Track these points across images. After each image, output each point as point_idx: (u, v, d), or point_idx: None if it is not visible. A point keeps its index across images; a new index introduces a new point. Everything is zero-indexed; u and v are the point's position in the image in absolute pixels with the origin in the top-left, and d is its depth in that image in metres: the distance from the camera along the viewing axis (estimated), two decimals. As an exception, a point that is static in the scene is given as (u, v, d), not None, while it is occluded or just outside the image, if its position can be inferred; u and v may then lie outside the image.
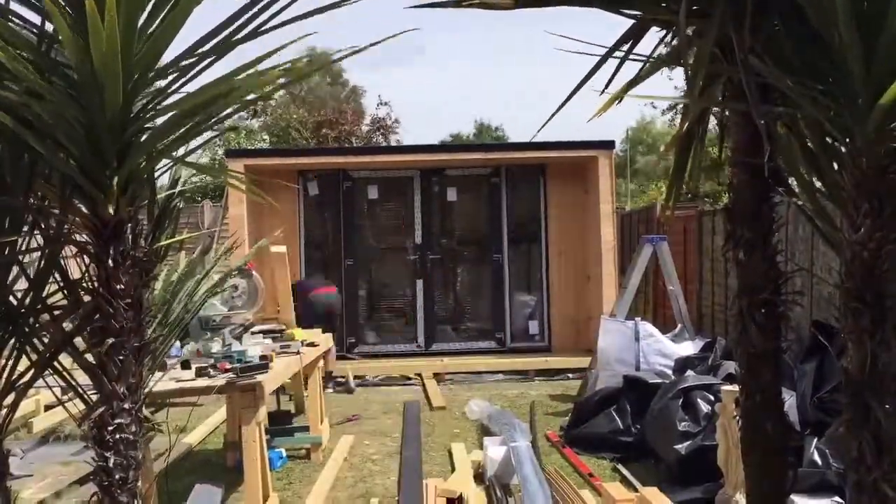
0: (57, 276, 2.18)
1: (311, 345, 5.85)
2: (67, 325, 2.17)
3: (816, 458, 4.21)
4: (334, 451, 5.88)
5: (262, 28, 1.92)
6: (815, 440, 4.30)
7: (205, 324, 4.96)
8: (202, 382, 4.33)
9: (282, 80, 2.11)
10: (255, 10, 1.90)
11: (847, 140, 1.83)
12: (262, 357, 4.67)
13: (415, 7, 2.08)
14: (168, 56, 1.95)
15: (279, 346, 5.42)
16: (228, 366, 4.43)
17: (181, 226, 2.47)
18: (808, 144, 2.04)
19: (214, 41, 1.93)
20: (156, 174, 2.20)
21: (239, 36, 1.92)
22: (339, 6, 1.94)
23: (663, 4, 2.21)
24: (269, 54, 1.91)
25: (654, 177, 31.46)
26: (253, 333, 5.50)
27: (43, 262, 2.19)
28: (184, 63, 1.96)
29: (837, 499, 3.93)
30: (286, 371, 5.26)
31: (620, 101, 2.12)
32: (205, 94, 1.92)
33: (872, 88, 1.70)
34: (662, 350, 6.89)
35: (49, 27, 1.96)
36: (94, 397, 2.05)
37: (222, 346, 4.85)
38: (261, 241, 5.63)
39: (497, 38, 72.97)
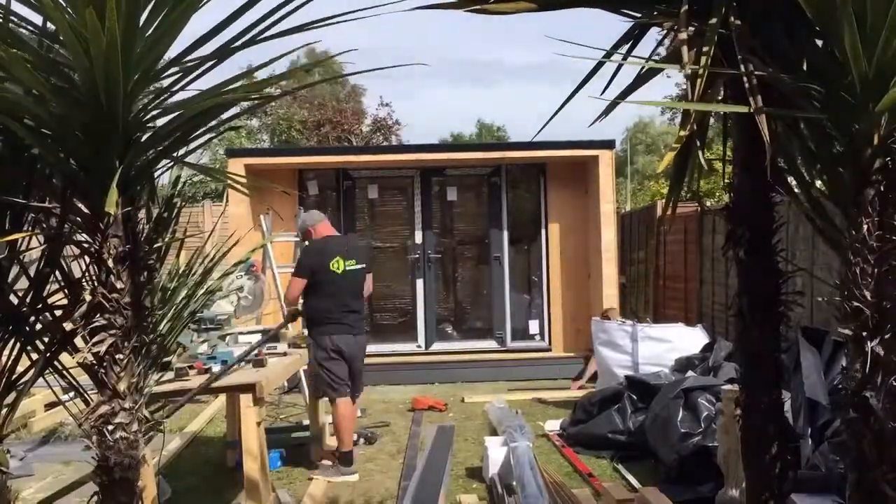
0: (57, 275, 2.18)
1: (297, 346, 5.74)
2: (68, 325, 2.16)
3: (817, 461, 4.20)
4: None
5: (262, 36, 1.91)
6: (811, 443, 4.29)
7: (197, 324, 4.90)
8: (178, 384, 4.17)
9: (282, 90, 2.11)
10: (256, 18, 1.90)
11: (847, 140, 1.83)
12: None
13: (418, 8, 2.07)
14: (170, 55, 1.95)
15: (265, 347, 5.18)
16: (204, 366, 4.36)
17: (181, 225, 2.47)
18: (809, 144, 2.04)
19: (214, 47, 1.93)
20: (156, 173, 2.20)
21: (238, 43, 1.91)
22: (344, 19, 1.92)
23: (663, 6, 2.20)
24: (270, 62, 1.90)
25: (653, 177, 31.44)
26: (250, 333, 5.42)
27: (43, 261, 2.19)
28: (185, 63, 1.96)
29: (837, 499, 3.92)
30: (285, 371, 5.24)
31: (615, 107, 2.11)
32: (205, 101, 1.92)
33: (872, 88, 1.70)
34: (660, 353, 6.88)
35: (50, 27, 1.96)
36: (95, 397, 2.05)
37: (209, 347, 4.78)
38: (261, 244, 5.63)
39: (497, 35, 72.94)
